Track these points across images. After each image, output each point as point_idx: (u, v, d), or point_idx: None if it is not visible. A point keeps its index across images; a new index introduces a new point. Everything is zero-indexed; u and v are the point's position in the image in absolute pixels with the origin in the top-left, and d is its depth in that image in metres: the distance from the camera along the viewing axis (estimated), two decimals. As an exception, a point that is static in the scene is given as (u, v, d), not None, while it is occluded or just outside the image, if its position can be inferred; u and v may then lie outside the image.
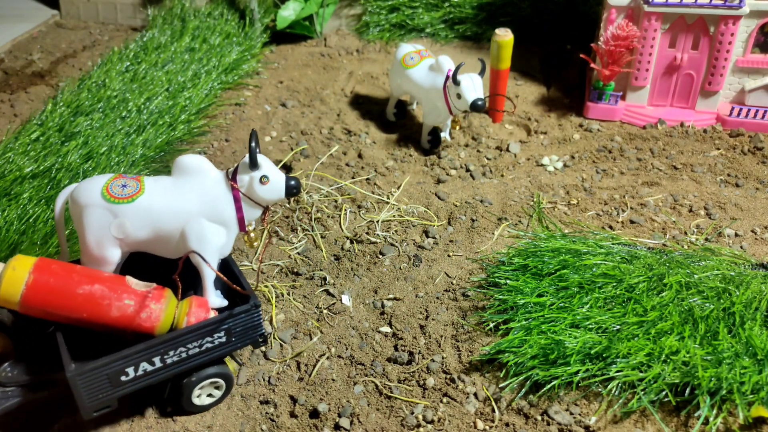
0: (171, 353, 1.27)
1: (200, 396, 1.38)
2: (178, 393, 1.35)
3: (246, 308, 1.33)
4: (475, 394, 1.41)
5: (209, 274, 1.37)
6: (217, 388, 1.39)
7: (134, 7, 3.18)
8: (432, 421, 1.37)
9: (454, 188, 2.05)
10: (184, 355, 1.29)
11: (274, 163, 2.17)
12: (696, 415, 1.33)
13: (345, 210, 1.95)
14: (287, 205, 1.98)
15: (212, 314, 1.33)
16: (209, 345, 1.31)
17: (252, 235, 1.38)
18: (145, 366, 1.25)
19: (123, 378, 1.24)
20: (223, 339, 1.32)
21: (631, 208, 1.95)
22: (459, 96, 2.03)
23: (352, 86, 2.66)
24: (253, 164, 1.32)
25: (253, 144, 1.30)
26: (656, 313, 1.45)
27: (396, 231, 1.87)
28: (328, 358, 1.52)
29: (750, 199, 1.98)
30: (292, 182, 1.35)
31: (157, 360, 1.26)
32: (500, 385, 1.42)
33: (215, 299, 1.38)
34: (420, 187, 2.06)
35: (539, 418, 1.36)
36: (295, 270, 1.75)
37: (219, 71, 2.55)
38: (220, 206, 1.33)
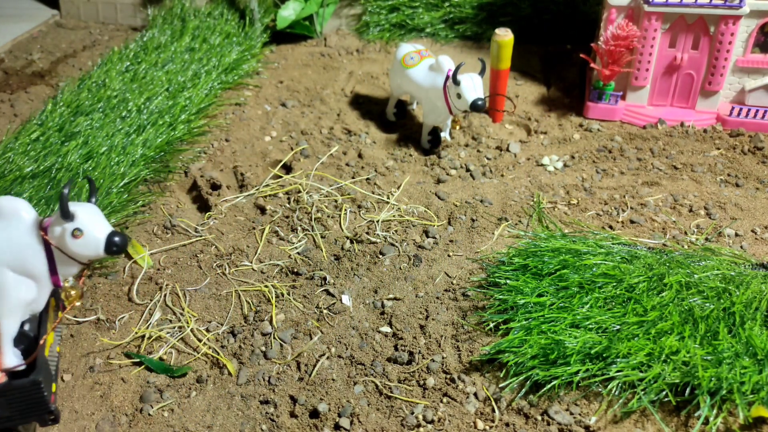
0: None
1: None
2: None
3: (23, 384, 1.16)
4: (475, 394, 1.41)
5: (5, 331, 1.20)
6: None
7: (134, 7, 3.18)
8: (432, 421, 1.37)
9: (454, 188, 2.05)
10: None
11: (275, 162, 2.18)
12: (696, 415, 1.33)
13: (345, 210, 1.95)
14: (287, 206, 1.98)
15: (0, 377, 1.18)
16: None
17: (72, 293, 1.26)
18: None
19: None
20: None
21: (631, 208, 1.95)
22: (459, 96, 2.03)
23: (352, 86, 2.66)
24: (65, 215, 1.16)
25: (65, 190, 1.14)
26: (656, 313, 1.45)
27: (396, 231, 1.87)
28: (328, 358, 1.52)
29: (750, 198, 1.98)
30: (116, 238, 1.18)
31: None
32: (500, 385, 1.42)
33: (11, 359, 1.21)
34: (420, 187, 2.06)
35: (539, 418, 1.36)
36: (295, 270, 1.75)
37: (219, 71, 2.55)
38: (28, 257, 1.18)
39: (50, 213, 1.78)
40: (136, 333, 1.58)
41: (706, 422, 1.31)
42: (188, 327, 1.59)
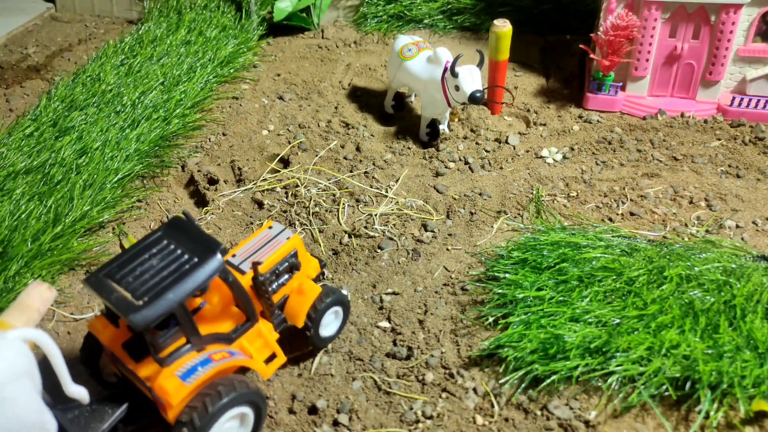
0: None
1: None
2: None
3: None
4: (475, 389, 1.40)
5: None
6: None
7: (130, 0, 3.16)
8: (431, 417, 1.36)
9: (453, 181, 2.04)
10: None
11: (272, 156, 2.16)
12: (697, 409, 1.32)
13: (343, 204, 1.94)
14: (285, 200, 1.97)
15: None
16: None
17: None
18: None
19: None
20: None
21: (631, 200, 1.93)
22: (457, 88, 2.01)
23: (349, 78, 2.64)
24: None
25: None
26: (656, 307, 1.44)
27: (394, 225, 1.86)
28: (326, 353, 1.51)
29: (751, 190, 1.96)
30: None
31: None
32: (500, 381, 1.41)
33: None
34: (418, 180, 2.04)
35: (539, 413, 1.35)
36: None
37: (215, 64, 2.52)
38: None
39: (44, 208, 1.77)
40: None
41: (707, 416, 1.30)
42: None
